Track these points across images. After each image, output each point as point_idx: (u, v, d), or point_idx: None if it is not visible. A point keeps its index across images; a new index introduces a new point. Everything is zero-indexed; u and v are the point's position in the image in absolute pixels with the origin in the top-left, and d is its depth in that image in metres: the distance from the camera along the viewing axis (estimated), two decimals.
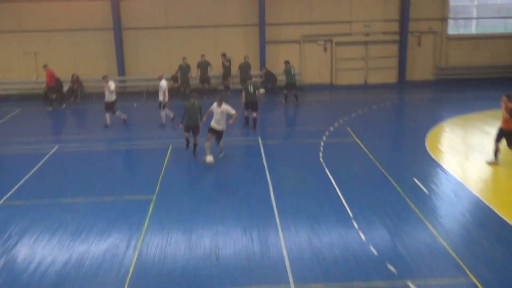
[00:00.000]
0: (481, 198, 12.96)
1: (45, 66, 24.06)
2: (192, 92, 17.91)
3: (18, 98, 26.30)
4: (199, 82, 25.82)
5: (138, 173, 15.87)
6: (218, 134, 15.73)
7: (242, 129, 20.12)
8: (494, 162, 15.03)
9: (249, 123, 19.97)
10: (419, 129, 19.19)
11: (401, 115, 21.73)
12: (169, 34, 26.77)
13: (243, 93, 19.63)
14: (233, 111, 15.74)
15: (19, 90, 26.76)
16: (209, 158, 15.25)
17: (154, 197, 13.46)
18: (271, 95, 25.42)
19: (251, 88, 19.40)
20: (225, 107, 15.66)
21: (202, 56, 25.48)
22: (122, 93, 26.31)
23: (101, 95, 25.29)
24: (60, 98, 24.74)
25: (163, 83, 19.86)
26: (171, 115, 20.63)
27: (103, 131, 20.11)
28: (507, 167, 15.19)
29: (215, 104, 15.69)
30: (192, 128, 16.25)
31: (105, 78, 20.05)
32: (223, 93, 24.93)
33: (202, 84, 25.92)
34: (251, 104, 19.67)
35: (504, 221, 11.68)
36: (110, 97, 20.14)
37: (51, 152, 17.51)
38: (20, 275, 9.89)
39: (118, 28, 26.10)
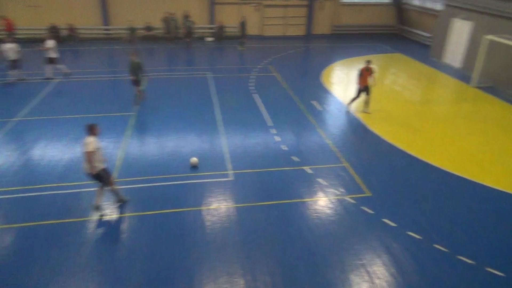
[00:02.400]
0: (355, 113, 13.54)
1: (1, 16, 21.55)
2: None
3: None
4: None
5: (122, 97, 15.15)
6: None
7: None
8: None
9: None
10: (318, 67, 19.32)
11: (307, 57, 21.67)
12: None
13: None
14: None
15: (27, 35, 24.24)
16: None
17: (135, 114, 13.17)
18: (221, 42, 24.55)
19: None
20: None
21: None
22: (107, 39, 24.58)
23: (94, 40, 23.85)
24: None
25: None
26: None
27: (95, 66, 18.89)
28: (376, 96, 15.75)
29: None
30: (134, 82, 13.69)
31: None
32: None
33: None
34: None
35: (367, 128, 12.38)
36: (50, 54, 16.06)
37: (56, 82, 16.48)
38: (36, 168, 9.76)
39: None
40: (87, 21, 24.31)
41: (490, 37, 15.71)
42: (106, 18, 24.52)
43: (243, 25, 22.36)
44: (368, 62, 13.12)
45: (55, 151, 10.59)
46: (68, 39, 23.74)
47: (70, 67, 18.01)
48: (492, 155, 10.70)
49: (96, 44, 23.44)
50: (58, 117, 12.82)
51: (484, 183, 9.36)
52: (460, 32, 19.19)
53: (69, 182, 9.15)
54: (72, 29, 23.72)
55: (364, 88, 13.22)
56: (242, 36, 22.63)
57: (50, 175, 9.42)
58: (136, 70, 13.38)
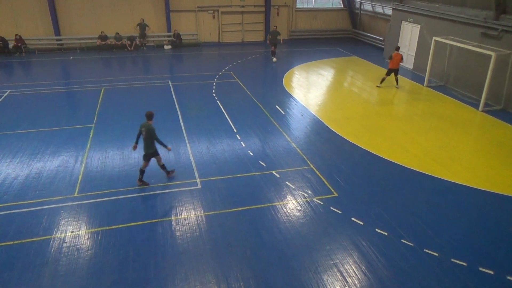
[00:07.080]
0: (317, 116, 13.77)
1: None
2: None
3: None
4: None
5: (79, 108, 14.59)
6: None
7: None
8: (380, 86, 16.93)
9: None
10: (279, 72, 19.43)
11: (267, 63, 21.77)
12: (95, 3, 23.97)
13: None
14: None
15: None
16: None
17: (94, 125, 12.67)
18: (180, 49, 24.22)
19: None
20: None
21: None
22: (59, 49, 23.57)
23: (43, 50, 22.81)
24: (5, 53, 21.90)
25: None
26: None
27: (47, 78, 18.05)
28: (336, 98, 16.08)
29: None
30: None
31: None
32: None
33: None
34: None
35: (330, 129, 12.61)
36: None
37: (4, 95, 15.57)
38: None
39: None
40: (37, 31, 23.23)
41: (437, 38, 16.52)
42: (57, 28, 23.49)
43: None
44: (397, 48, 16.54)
45: (10, 169, 9.95)
46: (16, 51, 22.54)
47: (20, 79, 17.12)
48: (448, 151, 11.20)
49: (48, 55, 22.38)
50: (10, 132, 12.10)
51: (443, 178, 9.77)
52: (410, 35, 20.06)
53: (27, 200, 8.60)
54: (20, 40, 22.48)
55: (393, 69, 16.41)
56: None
57: (6, 194, 8.82)
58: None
